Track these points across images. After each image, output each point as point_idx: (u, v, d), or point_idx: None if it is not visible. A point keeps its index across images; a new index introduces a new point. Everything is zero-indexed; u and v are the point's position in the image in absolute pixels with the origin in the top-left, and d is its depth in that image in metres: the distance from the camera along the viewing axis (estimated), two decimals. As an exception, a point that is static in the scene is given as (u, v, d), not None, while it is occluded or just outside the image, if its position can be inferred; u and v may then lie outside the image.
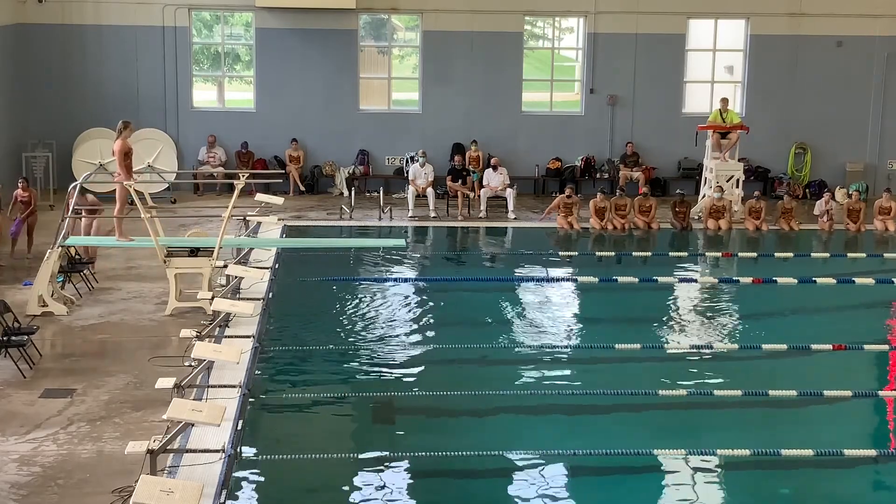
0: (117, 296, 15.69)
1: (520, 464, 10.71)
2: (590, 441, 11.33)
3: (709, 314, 16.29)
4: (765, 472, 10.78)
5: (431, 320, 15.63)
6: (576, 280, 17.98)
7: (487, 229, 21.52)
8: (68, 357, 13.13)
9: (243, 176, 15.93)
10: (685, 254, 20.29)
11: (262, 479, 10.31)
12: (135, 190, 16.16)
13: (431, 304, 16.49)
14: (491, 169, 22.69)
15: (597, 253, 20.53)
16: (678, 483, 10.60)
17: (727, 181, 21.98)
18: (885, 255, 20.19)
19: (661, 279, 17.66)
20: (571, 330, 15.48)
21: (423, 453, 10.79)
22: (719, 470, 10.78)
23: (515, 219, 21.84)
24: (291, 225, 20.56)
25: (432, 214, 22.01)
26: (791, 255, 19.85)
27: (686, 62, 24.78)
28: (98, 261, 17.02)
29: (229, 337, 13.12)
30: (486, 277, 18.43)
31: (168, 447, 9.49)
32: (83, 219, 16.94)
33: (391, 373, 13.32)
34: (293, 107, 24.14)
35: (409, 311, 16.03)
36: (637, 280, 17.54)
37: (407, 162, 23.92)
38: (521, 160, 24.19)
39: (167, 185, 22.22)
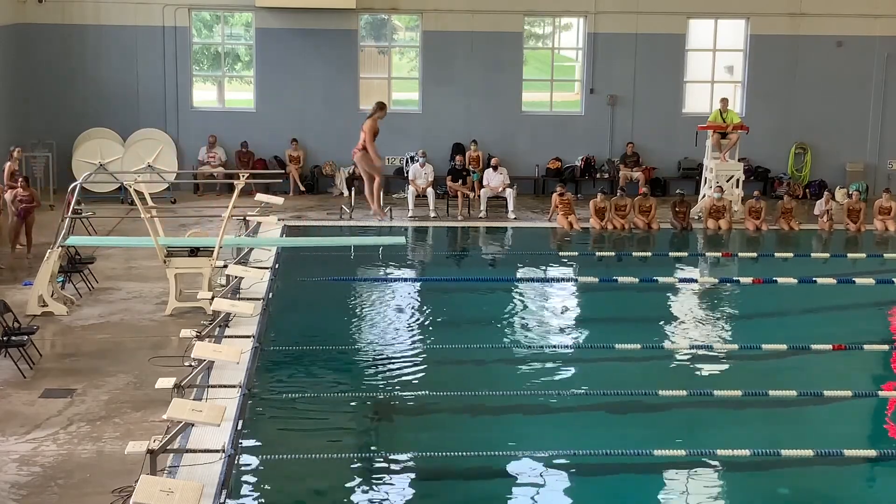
0: (117, 296, 15.69)
1: (520, 464, 10.71)
2: (590, 441, 11.33)
3: (709, 314, 16.30)
4: (765, 472, 10.78)
5: (431, 320, 15.63)
6: (576, 280, 17.97)
7: (487, 229, 21.52)
8: (68, 357, 13.13)
9: (243, 176, 15.92)
10: (685, 254, 20.30)
11: (262, 479, 10.31)
12: (135, 190, 16.21)
13: (431, 304, 16.49)
14: (491, 169, 22.69)
15: (597, 253, 20.53)
16: (678, 483, 10.61)
17: (727, 181, 21.98)
18: (885, 255, 20.18)
19: (661, 279, 17.65)
20: (571, 330, 15.47)
21: (423, 453, 10.81)
22: (719, 470, 10.78)
23: (515, 219, 21.84)
24: (291, 225, 20.56)
25: (432, 214, 22.01)
26: (791, 255, 19.86)
27: (686, 62, 24.78)
28: (98, 261, 17.01)
29: (229, 337, 13.12)
30: (486, 277, 18.44)
31: (168, 447, 9.48)
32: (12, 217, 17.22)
33: (391, 373, 13.32)
34: (293, 107, 24.13)
35: (409, 311, 16.03)
36: (637, 280, 17.53)
37: (407, 162, 23.91)
38: (521, 160, 24.19)
39: (167, 185, 22.22)
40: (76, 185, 16.04)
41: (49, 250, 14.94)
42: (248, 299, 14.19)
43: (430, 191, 22.20)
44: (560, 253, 20.11)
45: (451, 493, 10.47)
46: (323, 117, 24.22)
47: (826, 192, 22.34)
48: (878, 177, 24.60)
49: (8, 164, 18.83)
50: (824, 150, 24.66)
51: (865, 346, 14.51)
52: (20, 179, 17.88)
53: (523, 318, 15.69)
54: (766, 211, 21.62)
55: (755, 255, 20.02)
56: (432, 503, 10.26)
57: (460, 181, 22.61)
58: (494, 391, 12.59)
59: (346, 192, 22.91)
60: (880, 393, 13.14)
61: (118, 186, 22.01)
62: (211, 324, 13.08)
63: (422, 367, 13.61)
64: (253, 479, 10.25)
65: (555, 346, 14.48)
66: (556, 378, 13.37)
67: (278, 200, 19.23)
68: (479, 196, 22.42)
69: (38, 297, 14.50)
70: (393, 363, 13.65)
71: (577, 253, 20.06)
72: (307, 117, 24.18)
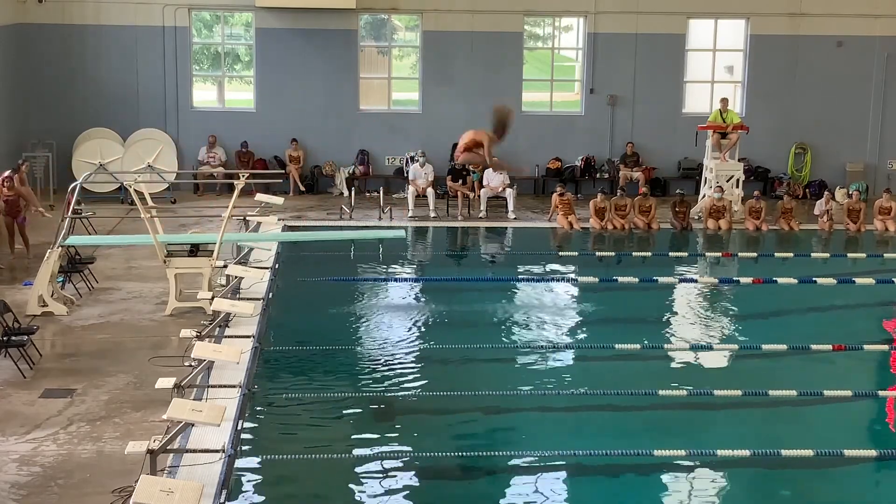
0: (117, 296, 15.69)
1: (520, 464, 10.71)
2: (590, 441, 11.33)
3: (709, 314, 16.30)
4: (765, 472, 10.78)
5: (431, 320, 15.63)
6: (576, 280, 17.98)
7: (487, 229, 21.52)
8: (68, 357, 13.13)
9: (243, 176, 15.91)
10: (685, 254, 20.29)
11: (262, 479, 10.31)
12: (135, 190, 16.20)
13: (431, 304, 16.50)
14: (491, 169, 22.67)
15: (597, 253, 20.53)
16: (678, 483, 10.61)
17: (727, 181, 21.98)
18: (885, 255, 20.19)
19: (661, 279, 17.65)
20: (571, 330, 15.47)
21: (423, 453, 10.80)
22: (719, 470, 10.78)
23: (515, 219, 21.84)
24: (291, 225, 20.55)
25: (432, 214, 22.01)
26: (791, 255, 19.84)
27: (686, 62, 24.78)
28: (98, 261, 17.01)
29: (229, 337, 13.12)
30: (486, 277, 18.43)
31: (168, 447, 9.48)
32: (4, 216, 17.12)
33: (391, 373, 13.32)
34: (293, 107, 24.12)
35: (409, 311, 16.03)
36: (637, 280, 17.53)
37: (407, 162, 23.91)
38: (522, 160, 24.14)
39: (167, 186, 22.21)
40: (76, 185, 16.03)
41: (49, 250, 14.93)
42: (248, 299, 14.19)
43: (430, 191, 22.21)
44: (560, 253, 20.10)
45: (452, 493, 10.46)
46: (323, 117, 24.22)
47: (826, 192, 22.34)
48: (878, 177, 24.59)
49: (16, 175, 18.57)
50: (824, 150, 24.65)
51: (865, 346, 14.52)
52: (3, 180, 17.72)
53: (523, 319, 15.68)
54: (766, 211, 21.61)
55: (755, 255, 20.02)
56: (432, 503, 10.24)
57: (460, 181, 22.62)
58: (494, 391, 12.59)
59: (346, 192, 22.91)
60: (880, 393, 13.14)
61: (118, 186, 22.01)
62: (211, 324, 13.08)
63: (422, 366, 13.62)
64: (253, 479, 10.25)
65: (555, 346, 14.47)
66: (556, 378, 13.37)
67: (278, 200, 19.21)
68: (479, 196, 22.42)
69: (38, 297, 14.50)
70: (393, 363, 13.65)
71: (577, 253, 20.06)
72: (307, 117, 24.17)
